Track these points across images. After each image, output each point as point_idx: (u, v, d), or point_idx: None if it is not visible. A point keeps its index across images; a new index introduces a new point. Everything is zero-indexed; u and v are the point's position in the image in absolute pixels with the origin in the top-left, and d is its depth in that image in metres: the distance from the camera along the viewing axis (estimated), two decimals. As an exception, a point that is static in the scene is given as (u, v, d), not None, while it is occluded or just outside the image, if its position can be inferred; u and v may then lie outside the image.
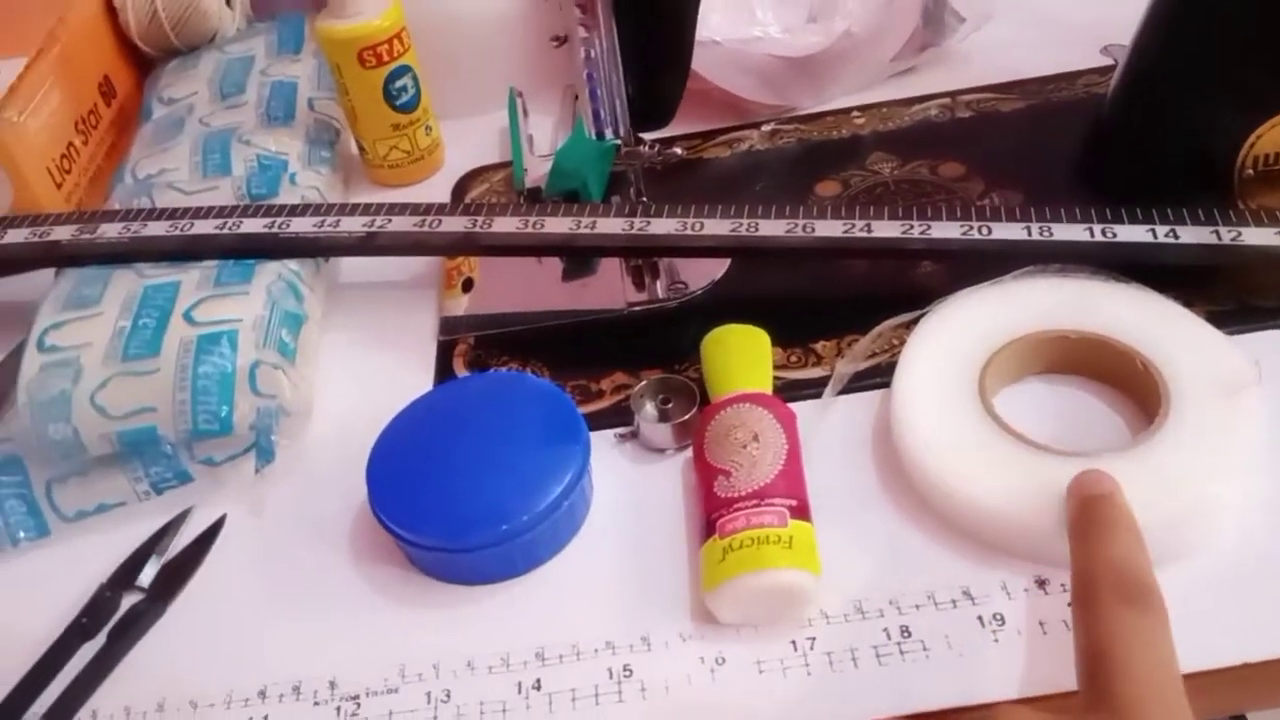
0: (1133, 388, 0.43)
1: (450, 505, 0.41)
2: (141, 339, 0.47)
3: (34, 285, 0.54)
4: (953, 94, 0.64)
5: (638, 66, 0.48)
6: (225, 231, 0.53)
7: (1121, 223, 0.46)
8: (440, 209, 0.53)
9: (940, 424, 0.42)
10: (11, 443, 0.48)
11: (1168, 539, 0.37)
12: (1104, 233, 0.46)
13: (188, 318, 0.48)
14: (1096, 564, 0.34)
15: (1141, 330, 0.43)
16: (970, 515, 0.40)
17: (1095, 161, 0.56)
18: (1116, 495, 0.36)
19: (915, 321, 0.47)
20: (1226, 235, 0.45)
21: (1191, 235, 0.45)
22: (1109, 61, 0.62)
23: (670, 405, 0.46)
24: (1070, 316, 0.44)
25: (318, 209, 0.54)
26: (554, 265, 0.56)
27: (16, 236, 0.55)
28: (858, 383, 0.47)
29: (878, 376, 0.46)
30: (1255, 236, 0.45)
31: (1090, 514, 0.36)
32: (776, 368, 0.47)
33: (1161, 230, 0.46)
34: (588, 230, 0.51)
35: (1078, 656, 0.32)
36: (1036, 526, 0.38)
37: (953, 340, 0.45)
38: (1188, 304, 0.45)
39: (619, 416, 0.47)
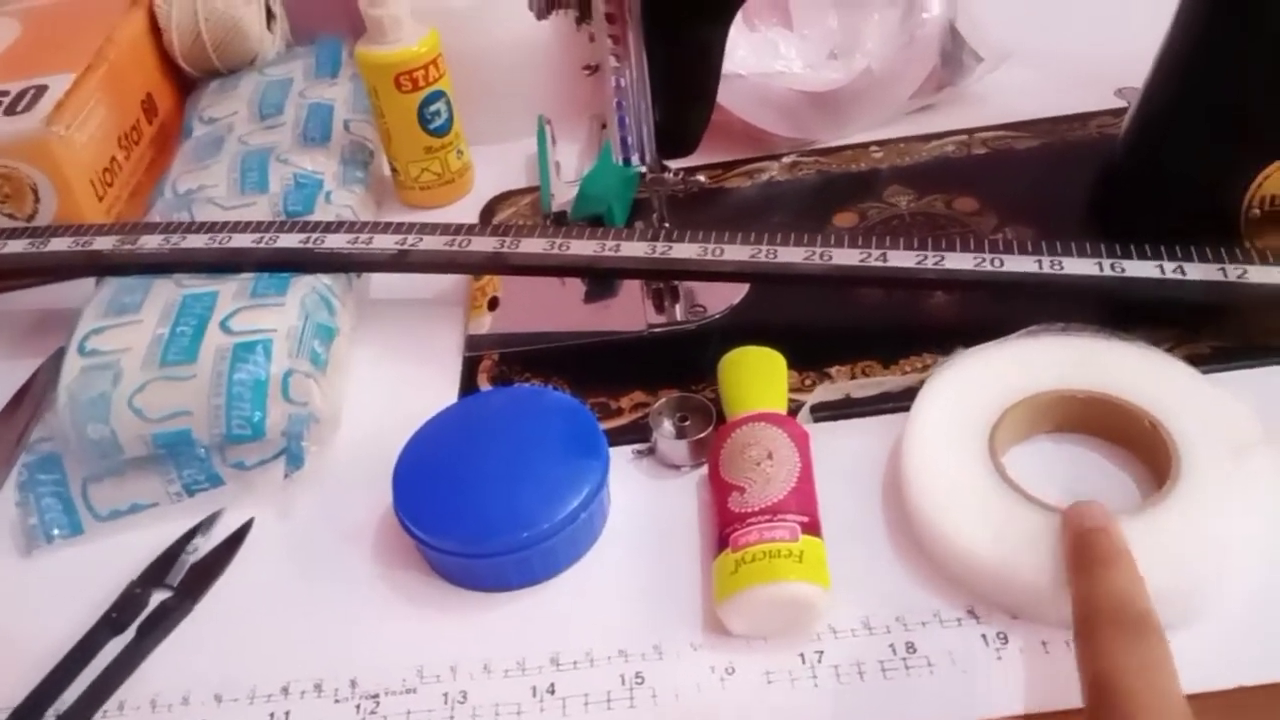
0: (1141, 447, 0.43)
1: (473, 512, 0.42)
2: (179, 345, 0.49)
3: (75, 293, 0.56)
4: (969, 131, 0.66)
5: (665, 96, 0.50)
6: (262, 245, 0.54)
7: (1130, 258, 0.47)
8: (470, 229, 0.55)
9: (951, 485, 0.41)
10: (51, 442, 0.50)
11: (1180, 602, 0.37)
12: (1113, 267, 0.47)
13: (224, 326, 0.49)
14: (1096, 597, 0.35)
15: (1148, 389, 0.43)
16: (982, 577, 0.40)
17: (1106, 200, 0.58)
18: (1111, 528, 0.37)
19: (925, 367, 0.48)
20: (1233, 273, 0.46)
21: (1199, 272, 0.47)
22: (1122, 104, 0.63)
23: (687, 423, 0.48)
24: (1078, 376, 0.44)
25: (351, 226, 0.56)
26: (576, 286, 0.58)
27: (60, 245, 0.57)
28: (870, 407, 0.48)
29: (890, 402, 0.48)
30: (1261, 275, 0.46)
31: (1087, 548, 0.37)
32: (791, 391, 0.48)
33: (1170, 266, 0.47)
34: (612, 253, 0.52)
35: (1083, 688, 0.33)
36: (1045, 588, 0.38)
37: (961, 400, 0.45)
38: (1193, 340, 0.46)
39: (637, 433, 0.48)
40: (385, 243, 0.55)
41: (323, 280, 0.54)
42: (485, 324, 0.56)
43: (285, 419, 0.48)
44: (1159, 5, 0.51)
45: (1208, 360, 0.47)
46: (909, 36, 0.66)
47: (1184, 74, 0.51)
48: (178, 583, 0.45)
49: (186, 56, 0.73)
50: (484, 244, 0.54)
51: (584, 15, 0.50)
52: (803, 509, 0.41)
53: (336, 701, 0.40)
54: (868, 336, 0.52)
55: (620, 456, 0.47)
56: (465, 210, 0.67)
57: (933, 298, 0.53)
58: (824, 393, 0.48)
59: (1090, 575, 0.36)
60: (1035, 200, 0.59)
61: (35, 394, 0.55)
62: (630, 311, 0.56)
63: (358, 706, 0.40)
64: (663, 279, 0.56)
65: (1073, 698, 0.33)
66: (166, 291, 0.52)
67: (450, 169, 0.67)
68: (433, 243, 0.55)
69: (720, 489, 0.43)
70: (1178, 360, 0.45)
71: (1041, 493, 0.41)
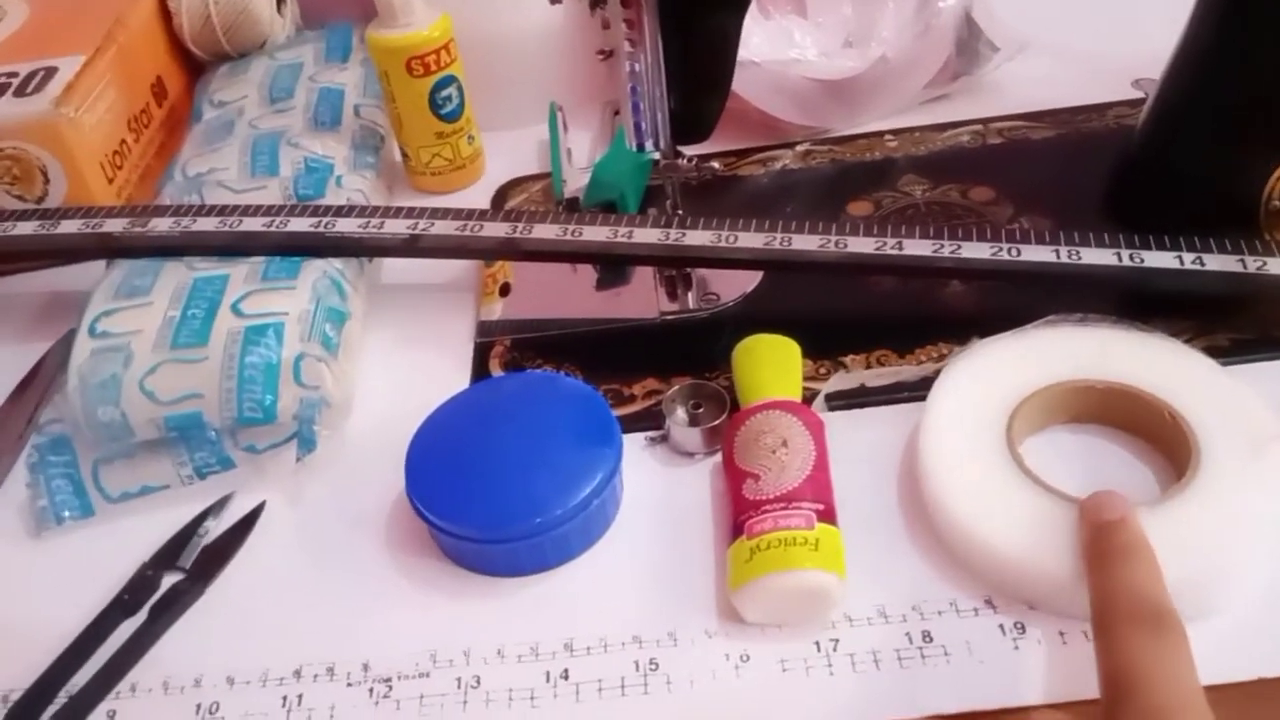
0: (1161, 439, 0.43)
1: (486, 497, 0.42)
2: (191, 328, 0.48)
3: (85, 276, 0.56)
4: (985, 121, 0.65)
5: (680, 83, 0.50)
6: (273, 229, 0.54)
7: (1149, 249, 0.47)
8: (482, 214, 0.54)
9: (968, 475, 0.41)
10: (61, 424, 0.50)
11: (1198, 594, 0.36)
12: (1132, 258, 0.47)
13: (236, 309, 0.49)
14: (1114, 591, 0.34)
15: (1166, 380, 0.43)
16: (1000, 567, 0.39)
17: (1124, 191, 0.57)
18: (1130, 519, 0.37)
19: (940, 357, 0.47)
20: (1252, 264, 0.46)
21: (1217, 263, 0.46)
22: (1140, 94, 0.63)
23: (701, 410, 0.47)
24: (1096, 366, 0.44)
25: (363, 210, 0.56)
26: (588, 274, 0.58)
27: (70, 227, 0.57)
28: (886, 396, 0.48)
29: (905, 391, 0.47)
30: (1280, 267, 0.46)
31: (1105, 540, 0.36)
32: (805, 379, 0.47)
33: (1189, 257, 0.46)
34: (625, 239, 0.52)
35: (1100, 682, 0.32)
36: (1063, 578, 0.37)
37: (978, 390, 0.44)
38: (1212, 331, 0.46)
39: (650, 420, 0.48)
40: (397, 227, 0.55)
41: (334, 264, 0.54)
42: (497, 310, 0.56)
43: (297, 403, 0.47)
44: (1178, -6, 0.51)
45: (1226, 352, 0.46)
46: (924, 25, 0.65)
47: (1202, 64, 0.51)
48: (189, 565, 0.45)
49: (196, 40, 0.73)
50: (496, 229, 0.54)
51: (598, 0, 0.49)
52: (818, 497, 0.40)
53: (349, 685, 0.40)
54: (883, 326, 0.51)
55: (633, 444, 0.47)
56: (477, 196, 0.67)
57: (948, 287, 0.53)
58: (839, 382, 0.48)
59: (1108, 568, 0.35)
60: (1051, 191, 0.58)
61: (45, 376, 0.55)
62: (643, 299, 0.55)
63: (370, 690, 0.40)
64: (676, 266, 0.55)
65: (1091, 688, 0.33)
66: (177, 274, 0.52)
67: (461, 155, 0.66)
68: (444, 228, 0.54)
69: (734, 476, 0.42)
70: (1196, 351, 0.45)
71: (1059, 483, 0.40)
